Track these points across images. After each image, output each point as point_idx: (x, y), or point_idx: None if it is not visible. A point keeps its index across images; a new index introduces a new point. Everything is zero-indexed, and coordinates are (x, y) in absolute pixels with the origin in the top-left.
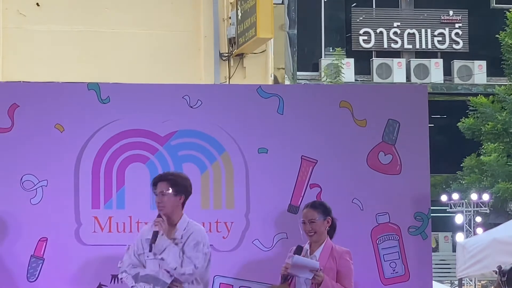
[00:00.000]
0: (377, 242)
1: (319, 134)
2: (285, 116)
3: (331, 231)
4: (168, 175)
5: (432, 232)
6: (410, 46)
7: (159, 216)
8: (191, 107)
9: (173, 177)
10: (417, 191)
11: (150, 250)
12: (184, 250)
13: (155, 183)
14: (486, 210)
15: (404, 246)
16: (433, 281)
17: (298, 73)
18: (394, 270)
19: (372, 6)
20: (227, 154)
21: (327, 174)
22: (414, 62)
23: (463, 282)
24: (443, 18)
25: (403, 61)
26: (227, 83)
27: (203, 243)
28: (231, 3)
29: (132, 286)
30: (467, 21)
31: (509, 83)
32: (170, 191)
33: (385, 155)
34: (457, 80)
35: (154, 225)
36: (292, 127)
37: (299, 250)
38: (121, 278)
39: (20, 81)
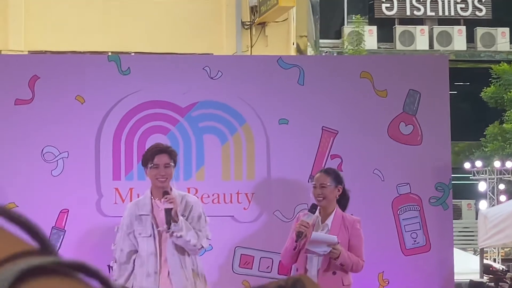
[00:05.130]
0: (398, 213)
1: (340, 105)
2: (306, 87)
3: (344, 202)
4: (167, 147)
5: (455, 200)
6: (433, 13)
7: (166, 192)
8: (212, 78)
9: (171, 149)
10: (438, 161)
11: (169, 229)
12: (190, 224)
13: (152, 156)
14: (510, 177)
15: (425, 217)
16: (456, 249)
17: (320, 41)
18: (415, 241)
19: None
20: (248, 125)
21: (348, 145)
22: (437, 29)
23: (486, 249)
24: None
25: (426, 28)
26: (249, 52)
27: (203, 213)
28: None
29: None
30: None
31: None
32: (172, 162)
33: (406, 126)
34: (480, 48)
35: (167, 202)
36: (313, 98)
37: (313, 208)
38: (110, 265)
39: (43, 51)
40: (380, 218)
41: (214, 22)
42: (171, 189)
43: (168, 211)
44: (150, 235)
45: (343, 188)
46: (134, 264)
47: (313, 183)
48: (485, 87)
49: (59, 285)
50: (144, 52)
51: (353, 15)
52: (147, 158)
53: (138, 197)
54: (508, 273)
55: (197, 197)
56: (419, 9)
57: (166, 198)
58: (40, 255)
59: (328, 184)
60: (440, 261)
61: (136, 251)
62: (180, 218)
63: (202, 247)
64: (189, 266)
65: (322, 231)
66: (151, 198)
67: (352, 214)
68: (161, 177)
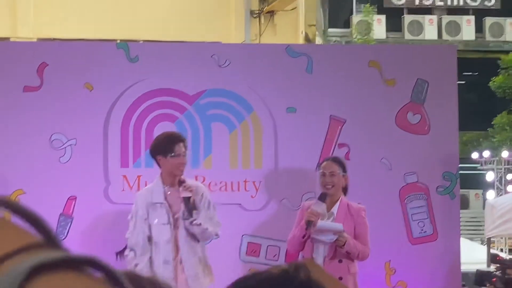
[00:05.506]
0: (405, 202)
1: (348, 93)
2: (314, 75)
3: (344, 190)
4: (182, 136)
5: (462, 190)
6: (442, 3)
7: (182, 181)
8: (220, 66)
9: (183, 137)
10: (445, 151)
11: (191, 216)
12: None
13: (171, 144)
14: None
15: (432, 206)
16: (464, 239)
17: (329, 30)
18: (422, 230)
19: None
20: (256, 114)
21: (356, 134)
22: (446, 19)
23: (493, 239)
24: None
25: (434, 18)
26: (258, 40)
27: (211, 200)
28: None
29: (135, 265)
30: None
31: None
32: (186, 151)
33: (413, 115)
34: (488, 37)
35: (186, 190)
36: (321, 87)
37: (322, 196)
38: (126, 255)
39: (51, 38)
40: (388, 207)
41: (223, 11)
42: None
43: (187, 199)
44: (166, 223)
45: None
46: (151, 250)
47: (321, 171)
48: (493, 77)
49: (72, 282)
50: (153, 40)
51: (362, 4)
52: (166, 148)
53: (146, 184)
54: None
55: (205, 185)
56: None
57: (184, 186)
58: (47, 248)
59: (338, 172)
60: (447, 250)
61: (151, 238)
62: (198, 205)
63: (217, 234)
64: (197, 253)
65: (328, 220)
66: (163, 186)
67: (359, 203)
68: (182, 165)
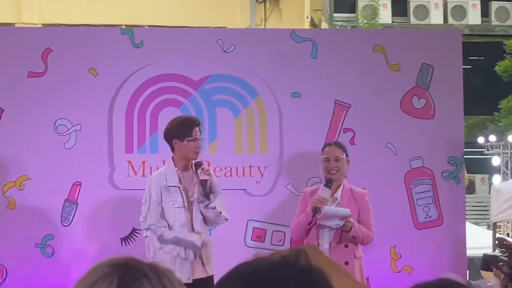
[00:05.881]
0: (411, 187)
1: (353, 78)
2: (319, 60)
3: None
4: (197, 119)
5: (468, 174)
6: None
7: (199, 164)
8: (225, 51)
9: (200, 121)
10: (450, 135)
11: (208, 199)
12: None
13: (190, 127)
14: None
15: (438, 191)
16: (469, 224)
17: (334, 14)
18: (427, 215)
19: None
20: (261, 99)
21: (361, 119)
22: (451, 3)
23: (499, 224)
24: None
25: (440, 2)
26: (263, 25)
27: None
28: None
29: (160, 248)
30: None
31: None
32: (202, 136)
33: (418, 100)
34: (494, 22)
35: (205, 173)
36: (326, 72)
37: (329, 182)
38: (145, 236)
39: (56, 24)
40: (393, 192)
41: None
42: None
43: (204, 183)
44: (181, 206)
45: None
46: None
47: (325, 156)
48: (499, 61)
49: None
50: (158, 26)
51: None
52: (183, 131)
53: (151, 170)
54: None
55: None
56: None
57: (202, 169)
58: None
59: (342, 156)
60: (452, 235)
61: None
62: (214, 189)
63: (227, 218)
64: (207, 238)
65: (332, 205)
66: (177, 170)
67: (364, 188)
68: (198, 149)
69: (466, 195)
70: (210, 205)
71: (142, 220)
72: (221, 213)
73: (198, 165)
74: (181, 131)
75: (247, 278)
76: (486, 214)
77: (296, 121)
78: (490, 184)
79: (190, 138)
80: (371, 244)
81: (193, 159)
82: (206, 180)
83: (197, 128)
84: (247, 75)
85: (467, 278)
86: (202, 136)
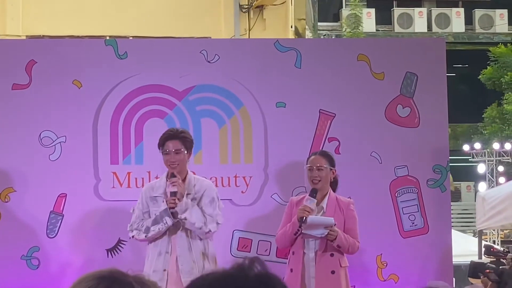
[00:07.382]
0: (396, 195)
1: (337, 87)
2: (303, 70)
3: (334, 185)
4: (179, 132)
5: (454, 182)
6: None
7: (172, 175)
8: (209, 61)
9: (184, 134)
10: (435, 143)
11: (173, 209)
12: (202, 208)
13: (163, 142)
14: (509, 159)
15: (423, 199)
16: (455, 231)
17: (318, 24)
18: (413, 223)
19: None
20: (245, 109)
21: (346, 128)
22: (435, 11)
23: (485, 231)
24: None
25: (424, 10)
26: (247, 35)
27: (217, 198)
28: None
29: (145, 236)
30: None
31: None
32: (183, 148)
33: (403, 108)
34: (478, 29)
35: (171, 185)
36: (310, 81)
37: (313, 192)
38: (132, 236)
39: (40, 36)
40: (378, 200)
41: (212, 6)
42: (187, 173)
43: (172, 194)
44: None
45: (335, 171)
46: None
47: (308, 165)
48: (483, 69)
49: None
50: (142, 36)
51: None
52: (160, 144)
53: (136, 181)
54: (509, 254)
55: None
56: None
57: (170, 181)
58: None
59: (325, 166)
60: (438, 243)
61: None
62: (185, 201)
63: (210, 231)
64: (199, 249)
65: (318, 214)
66: (167, 180)
67: (349, 197)
68: (172, 163)
69: (452, 203)
70: (179, 216)
71: (129, 229)
72: (195, 223)
73: (171, 176)
74: (159, 143)
75: None
76: (472, 222)
77: (281, 130)
78: (476, 191)
79: (164, 152)
80: (357, 253)
81: (171, 171)
82: (175, 192)
83: (174, 141)
84: (232, 85)
85: (454, 286)
86: (182, 149)
